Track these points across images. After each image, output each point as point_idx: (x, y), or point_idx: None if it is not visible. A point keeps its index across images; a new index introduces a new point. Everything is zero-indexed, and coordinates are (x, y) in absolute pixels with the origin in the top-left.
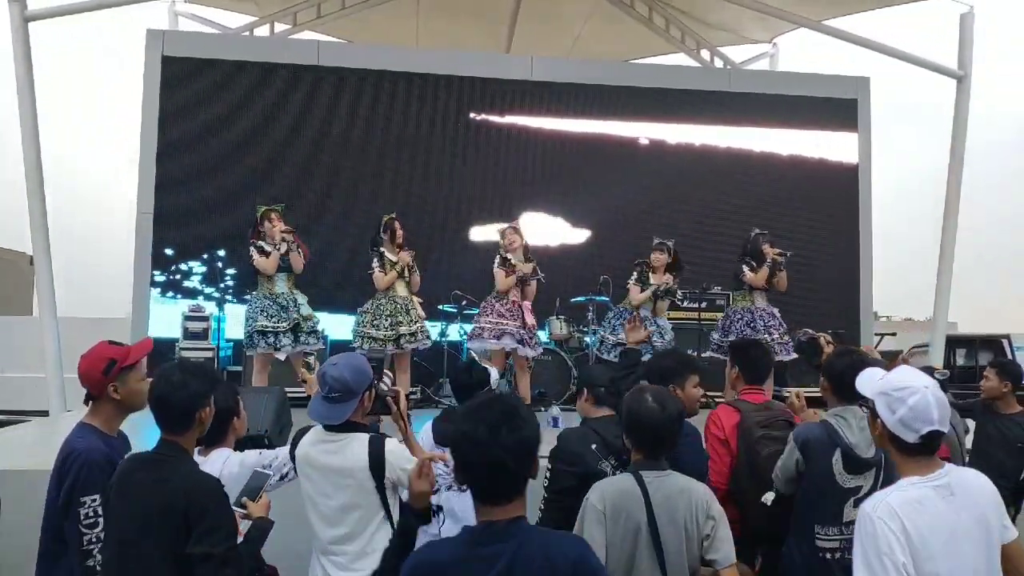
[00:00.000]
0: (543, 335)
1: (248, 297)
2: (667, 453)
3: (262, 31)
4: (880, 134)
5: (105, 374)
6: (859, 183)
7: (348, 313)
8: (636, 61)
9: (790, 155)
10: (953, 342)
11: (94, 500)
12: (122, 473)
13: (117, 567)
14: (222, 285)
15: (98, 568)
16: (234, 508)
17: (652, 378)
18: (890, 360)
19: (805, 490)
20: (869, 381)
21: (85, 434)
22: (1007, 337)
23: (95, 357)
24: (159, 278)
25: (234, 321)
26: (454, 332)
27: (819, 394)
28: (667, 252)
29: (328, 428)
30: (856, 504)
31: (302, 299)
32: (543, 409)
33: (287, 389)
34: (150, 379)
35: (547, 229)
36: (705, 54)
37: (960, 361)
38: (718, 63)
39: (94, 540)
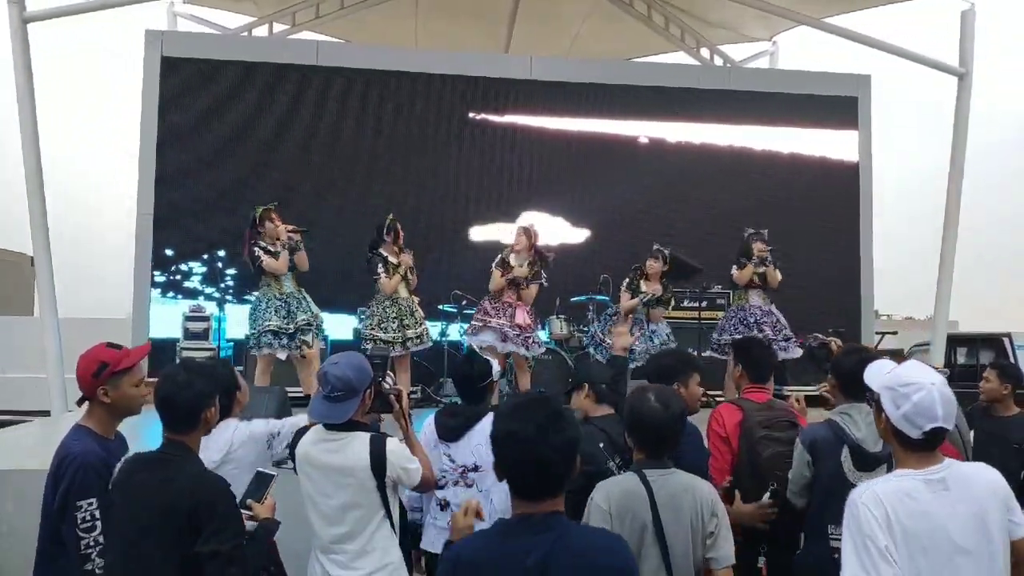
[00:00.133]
0: (543, 335)
1: (254, 297)
2: (670, 452)
3: (261, 31)
4: (881, 132)
5: (95, 377)
6: (860, 181)
7: (348, 313)
8: (636, 60)
9: (790, 153)
10: (954, 341)
11: (90, 504)
12: (126, 473)
13: (124, 567)
14: (222, 285)
15: (97, 571)
16: (240, 511)
17: (654, 377)
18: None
19: (816, 491)
20: (877, 374)
21: (81, 437)
22: (1008, 336)
23: (89, 359)
24: (159, 278)
25: (235, 321)
26: (454, 332)
27: (819, 393)
28: (662, 260)
29: (329, 427)
30: None
31: (309, 298)
32: None
33: (287, 388)
34: (153, 380)
35: (547, 228)
36: (705, 52)
37: (961, 360)
38: (718, 61)
39: (92, 544)
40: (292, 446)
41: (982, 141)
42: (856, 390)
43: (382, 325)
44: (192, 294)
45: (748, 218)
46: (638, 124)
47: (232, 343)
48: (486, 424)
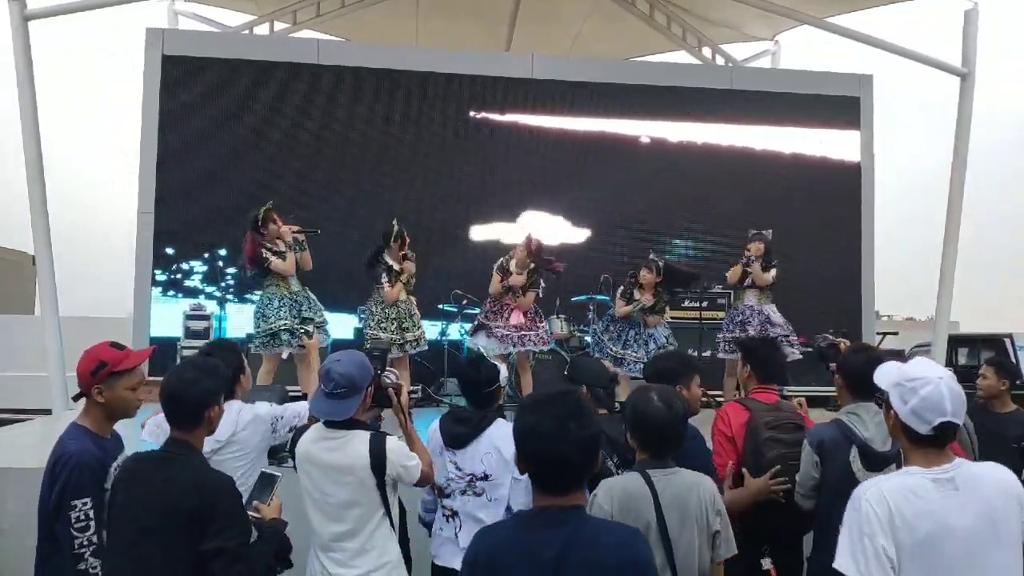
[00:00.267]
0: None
1: (261, 296)
2: (673, 452)
3: (261, 30)
4: (883, 132)
5: (93, 375)
6: (861, 181)
7: (348, 312)
8: (637, 59)
9: (792, 153)
10: (955, 341)
11: (85, 503)
12: (129, 472)
13: (128, 566)
14: (223, 284)
15: (90, 571)
16: (248, 513)
17: (655, 380)
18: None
19: (824, 492)
20: (887, 374)
21: (78, 436)
22: (1010, 336)
23: (90, 357)
24: (160, 277)
25: (235, 320)
26: (454, 331)
27: (820, 393)
28: (655, 271)
29: (329, 425)
30: None
31: (314, 297)
32: None
33: (288, 387)
34: (155, 379)
35: (547, 228)
36: (707, 52)
37: (962, 360)
38: (720, 61)
39: (85, 543)
40: (292, 444)
41: (982, 141)
42: (863, 389)
43: (381, 325)
44: (193, 293)
45: (749, 218)
46: (639, 123)
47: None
48: (494, 431)
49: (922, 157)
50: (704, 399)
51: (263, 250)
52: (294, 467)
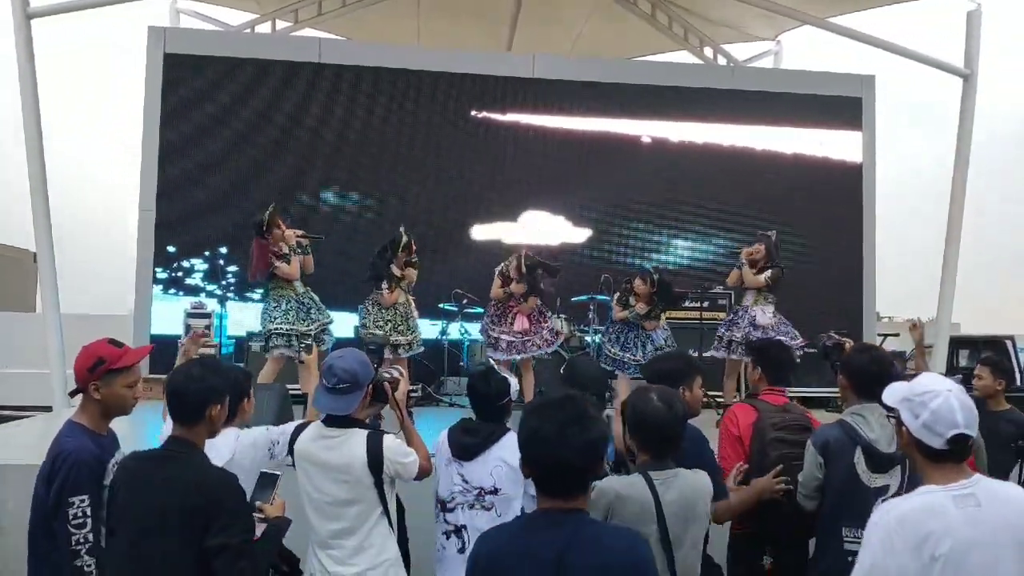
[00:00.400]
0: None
1: (267, 298)
2: (673, 453)
3: (263, 28)
4: (884, 133)
5: (90, 371)
6: (863, 182)
7: (349, 311)
8: (639, 59)
9: (794, 154)
10: (956, 343)
11: (83, 501)
12: (130, 471)
13: (130, 566)
14: (224, 282)
15: (86, 568)
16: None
17: (657, 381)
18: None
19: (828, 493)
20: (895, 391)
21: (75, 433)
22: (1011, 338)
23: (88, 353)
24: (161, 275)
25: (236, 317)
26: (454, 331)
27: (820, 394)
28: (649, 283)
29: (328, 424)
30: None
31: (317, 298)
32: None
33: (288, 386)
34: (155, 377)
35: (548, 227)
36: (708, 52)
37: (963, 362)
38: (721, 61)
39: (82, 540)
40: (291, 442)
41: (983, 141)
42: (868, 389)
43: (377, 324)
44: (194, 291)
45: (750, 218)
46: (641, 123)
47: (233, 340)
48: (504, 443)
49: (923, 158)
50: (704, 399)
51: (271, 257)
52: (293, 465)
